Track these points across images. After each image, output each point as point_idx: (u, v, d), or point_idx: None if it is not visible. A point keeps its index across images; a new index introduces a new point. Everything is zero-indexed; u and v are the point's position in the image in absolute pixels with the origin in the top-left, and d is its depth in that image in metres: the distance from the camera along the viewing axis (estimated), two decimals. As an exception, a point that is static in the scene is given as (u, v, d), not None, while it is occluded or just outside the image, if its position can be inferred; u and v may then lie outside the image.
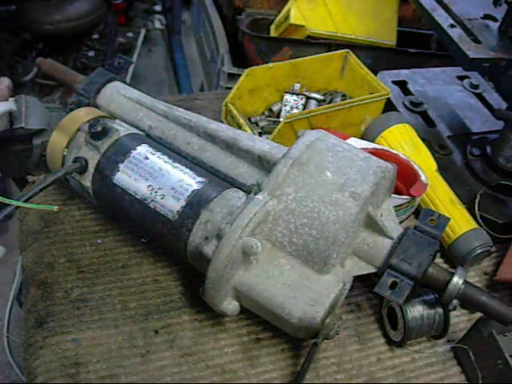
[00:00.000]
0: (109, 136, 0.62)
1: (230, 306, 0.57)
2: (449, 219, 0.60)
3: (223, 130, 0.64)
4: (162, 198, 0.59)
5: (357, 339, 0.64)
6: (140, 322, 0.62)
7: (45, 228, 0.69)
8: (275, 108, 0.88)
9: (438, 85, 0.97)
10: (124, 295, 0.64)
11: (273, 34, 1.25)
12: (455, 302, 0.57)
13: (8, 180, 1.55)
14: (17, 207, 0.54)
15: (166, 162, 0.61)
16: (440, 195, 0.75)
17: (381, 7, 1.22)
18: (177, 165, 0.61)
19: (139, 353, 0.59)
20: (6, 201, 0.53)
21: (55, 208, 0.57)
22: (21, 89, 1.68)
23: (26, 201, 0.54)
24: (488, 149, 0.81)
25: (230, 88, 0.85)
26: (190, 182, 0.60)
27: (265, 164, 0.61)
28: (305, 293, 0.54)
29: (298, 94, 0.87)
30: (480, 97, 0.96)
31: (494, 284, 0.71)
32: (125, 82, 0.72)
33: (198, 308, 0.63)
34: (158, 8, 2.44)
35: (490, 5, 0.79)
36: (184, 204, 0.58)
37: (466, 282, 0.56)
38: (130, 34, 2.14)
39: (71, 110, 0.67)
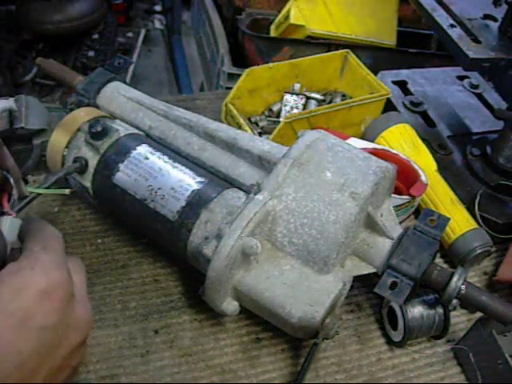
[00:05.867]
0: (109, 136, 0.62)
1: (230, 306, 0.57)
2: (449, 219, 0.60)
3: (223, 129, 0.64)
4: (162, 198, 0.59)
5: (357, 339, 0.64)
6: (140, 322, 0.62)
7: (45, 228, 0.69)
8: (275, 108, 0.88)
9: (438, 85, 0.97)
10: (124, 295, 0.64)
11: (273, 34, 1.26)
12: (455, 301, 0.57)
13: (8, 180, 1.54)
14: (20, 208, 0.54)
15: (165, 162, 0.61)
16: (440, 195, 0.75)
17: (381, 7, 1.22)
18: (177, 165, 0.61)
19: (139, 353, 0.59)
20: (29, 189, 0.55)
21: (67, 191, 0.58)
22: (21, 89, 1.68)
23: (27, 203, 0.54)
24: (488, 149, 0.81)
25: (230, 88, 0.85)
26: (190, 181, 0.60)
27: (265, 164, 0.61)
28: (305, 293, 0.54)
29: (297, 94, 0.87)
30: (480, 97, 0.96)
31: (494, 284, 0.71)
32: (125, 82, 0.72)
33: (198, 308, 0.63)
34: (158, 8, 2.43)
35: (489, 5, 0.79)
36: (184, 204, 0.58)
37: (466, 282, 0.56)
38: (130, 34, 2.13)
39: (71, 109, 0.67)
